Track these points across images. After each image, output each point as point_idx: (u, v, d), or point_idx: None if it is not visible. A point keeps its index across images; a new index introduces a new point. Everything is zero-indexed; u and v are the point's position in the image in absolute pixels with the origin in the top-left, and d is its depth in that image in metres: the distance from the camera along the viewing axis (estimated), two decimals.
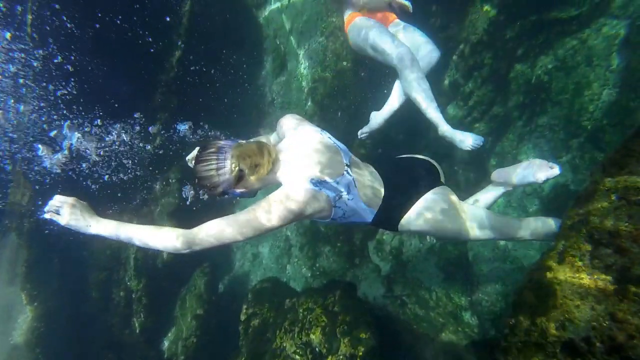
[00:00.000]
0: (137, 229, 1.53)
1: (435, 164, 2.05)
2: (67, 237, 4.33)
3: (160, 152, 4.29)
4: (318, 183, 1.57)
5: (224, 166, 1.55)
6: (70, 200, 1.55)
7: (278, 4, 4.62)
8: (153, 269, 4.41)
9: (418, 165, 2.02)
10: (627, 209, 1.11)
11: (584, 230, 1.23)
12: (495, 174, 2.17)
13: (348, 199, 1.66)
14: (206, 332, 4.12)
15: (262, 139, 2.04)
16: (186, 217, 4.49)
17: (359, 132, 3.07)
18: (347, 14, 2.89)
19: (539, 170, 1.94)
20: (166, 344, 4.47)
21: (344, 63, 3.79)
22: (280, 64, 4.65)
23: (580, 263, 1.22)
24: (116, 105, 3.65)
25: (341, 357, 2.48)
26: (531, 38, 3.17)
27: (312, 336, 2.64)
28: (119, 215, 4.62)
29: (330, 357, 2.51)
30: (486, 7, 3.08)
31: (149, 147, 4.21)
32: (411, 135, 3.82)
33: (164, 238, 1.50)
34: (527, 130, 3.35)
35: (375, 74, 3.62)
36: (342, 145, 1.80)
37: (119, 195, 4.36)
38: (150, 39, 3.78)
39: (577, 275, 1.22)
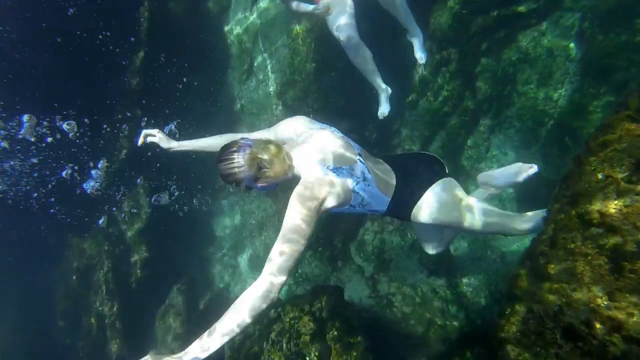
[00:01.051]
0: (230, 318, 1.47)
1: (438, 157, 2.13)
2: (25, 263, 4.02)
3: (126, 165, 4.07)
4: (335, 169, 1.68)
5: (244, 164, 1.61)
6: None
7: (241, 9, 4.53)
8: (127, 291, 4.17)
9: (423, 157, 2.15)
10: (615, 186, 1.11)
11: (574, 212, 1.22)
12: (480, 177, 2.31)
13: (365, 186, 1.77)
14: None
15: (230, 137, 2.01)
16: (157, 236, 4.30)
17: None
18: None
19: (519, 172, 2.12)
20: None
21: (313, 65, 3.74)
22: (248, 70, 4.55)
23: (572, 245, 1.21)
24: (77, 114, 3.43)
25: None
26: (494, 32, 3.24)
27: (301, 345, 2.54)
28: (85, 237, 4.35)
29: None
30: (450, 3, 3.14)
31: (113, 160, 3.98)
32: (384, 134, 3.83)
33: (255, 301, 1.47)
34: (497, 122, 3.42)
35: (346, 74, 3.60)
36: (350, 138, 1.89)
37: (82, 215, 4.11)
38: (111, 47, 3.60)
39: (570, 257, 1.21)
